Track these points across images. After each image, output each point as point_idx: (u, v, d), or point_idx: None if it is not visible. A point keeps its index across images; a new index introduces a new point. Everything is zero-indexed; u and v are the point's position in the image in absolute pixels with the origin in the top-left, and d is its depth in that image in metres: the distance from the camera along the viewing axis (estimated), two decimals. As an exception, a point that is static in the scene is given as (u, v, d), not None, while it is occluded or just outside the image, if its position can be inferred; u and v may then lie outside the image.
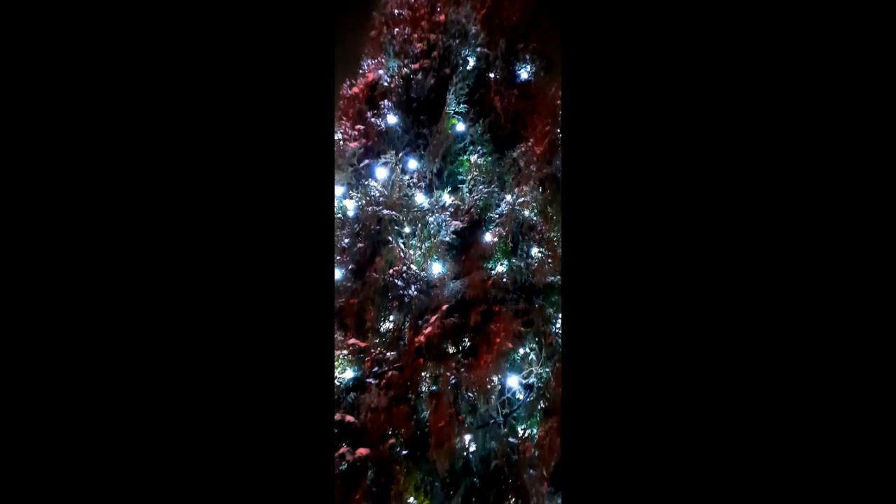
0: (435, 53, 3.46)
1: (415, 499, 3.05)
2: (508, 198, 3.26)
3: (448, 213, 3.38)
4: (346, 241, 3.34)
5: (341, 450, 3.12)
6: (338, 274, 3.34)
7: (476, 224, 3.38)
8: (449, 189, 3.44)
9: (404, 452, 3.08)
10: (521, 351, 3.04)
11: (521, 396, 2.98)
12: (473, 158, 3.33)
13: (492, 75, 3.52)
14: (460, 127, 3.43)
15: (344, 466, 3.05)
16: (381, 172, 3.39)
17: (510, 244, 3.21)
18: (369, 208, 3.43)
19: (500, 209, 3.28)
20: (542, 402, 2.98)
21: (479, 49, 3.53)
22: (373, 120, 3.41)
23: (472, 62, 3.53)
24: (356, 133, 3.37)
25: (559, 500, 2.88)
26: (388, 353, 3.29)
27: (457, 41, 3.49)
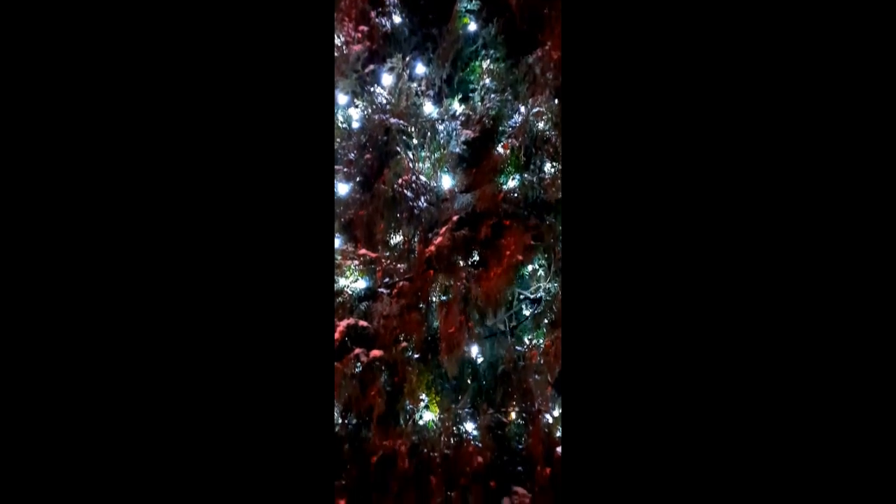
0: (444, -60, 3.10)
1: (426, 396, 3.28)
2: (522, 108, 3.11)
3: (458, 122, 3.25)
4: (353, 154, 3.25)
5: (356, 351, 3.30)
6: (345, 187, 3.29)
7: (488, 135, 3.25)
8: (459, 97, 3.27)
9: (416, 356, 3.25)
10: (530, 267, 3.08)
11: (528, 312, 3.08)
12: (486, 64, 3.12)
13: (506, -33, 3.19)
14: (472, 27, 3.18)
15: (359, 368, 3.24)
16: (387, 79, 3.20)
17: (523, 158, 3.11)
18: (375, 117, 3.29)
19: (513, 120, 3.14)
20: (549, 314, 3.09)
21: (491, -65, 3.15)
22: (377, 20, 3.14)
23: (484, -49, 3.18)
24: (359, 35, 3.13)
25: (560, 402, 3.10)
26: (399, 265, 3.35)
27: (467, -75, 3.11)
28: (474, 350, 3.15)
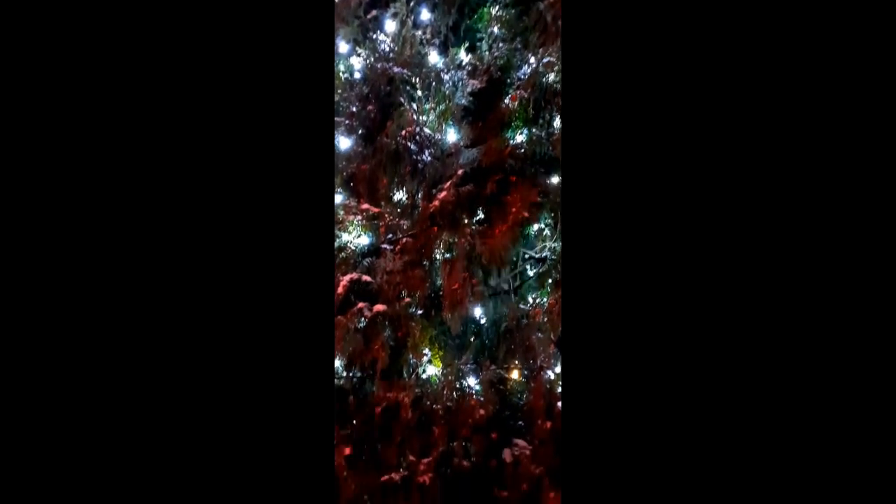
0: None
1: (430, 350, 3.31)
2: (532, 58, 2.96)
3: (464, 72, 3.12)
4: (355, 107, 3.13)
5: (359, 305, 3.30)
6: (348, 141, 3.20)
7: (495, 86, 3.12)
8: (466, 45, 3.12)
9: (419, 312, 3.26)
10: (536, 227, 3.03)
11: (532, 272, 3.06)
12: (494, 10, 2.96)
13: None
14: (480, -31, 3.00)
15: (363, 322, 3.26)
16: (391, 26, 3.04)
17: (531, 111, 3.00)
18: (378, 66, 3.16)
19: (521, 71, 3.00)
20: (554, 273, 3.06)
21: None
22: (380, -40, 2.96)
23: None
24: (361, -22, 2.95)
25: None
26: (402, 221, 3.31)
27: None
28: (478, 308, 3.14)
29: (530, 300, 3.08)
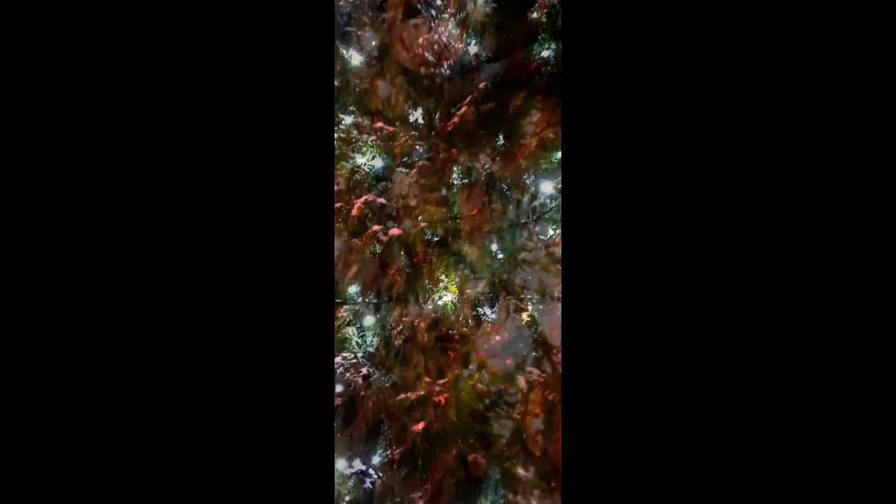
0: None
1: (446, 278, 3.27)
2: (564, -42, 2.60)
3: (488, -26, 2.78)
4: (367, 17, 2.86)
5: (375, 228, 3.24)
6: (359, 56, 2.97)
7: (521, -10, 2.79)
8: (489, -58, 2.76)
9: (436, 239, 3.20)
10: (559, 154, 2.83)
11: (553, 203, 2.90)
12: None
13: None
14: None
15: (379, 248, 3.21)
16: (405, -82, 2.69)
17: (560, 23, 2.68)
18: (392, -34, 2.84)
19: (552, -26, 2.65)
20: (576, 203, 2.90)
21: None
22: None
23: None
24: None
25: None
26: (418, 144, 3.15)
27: None
28: (496, 237, 3.04)
29: (550, 232, 2.95)
